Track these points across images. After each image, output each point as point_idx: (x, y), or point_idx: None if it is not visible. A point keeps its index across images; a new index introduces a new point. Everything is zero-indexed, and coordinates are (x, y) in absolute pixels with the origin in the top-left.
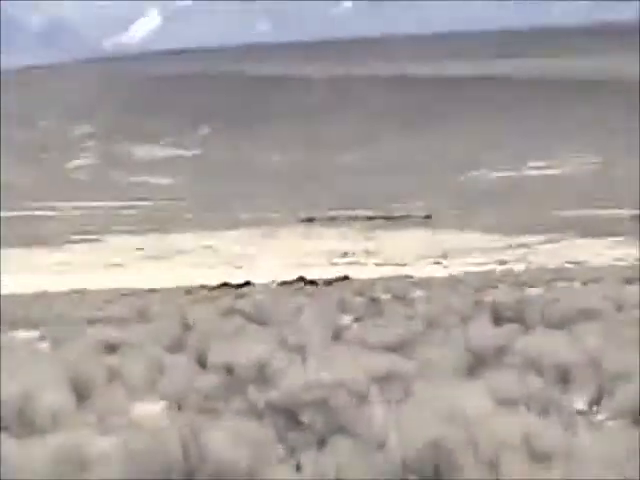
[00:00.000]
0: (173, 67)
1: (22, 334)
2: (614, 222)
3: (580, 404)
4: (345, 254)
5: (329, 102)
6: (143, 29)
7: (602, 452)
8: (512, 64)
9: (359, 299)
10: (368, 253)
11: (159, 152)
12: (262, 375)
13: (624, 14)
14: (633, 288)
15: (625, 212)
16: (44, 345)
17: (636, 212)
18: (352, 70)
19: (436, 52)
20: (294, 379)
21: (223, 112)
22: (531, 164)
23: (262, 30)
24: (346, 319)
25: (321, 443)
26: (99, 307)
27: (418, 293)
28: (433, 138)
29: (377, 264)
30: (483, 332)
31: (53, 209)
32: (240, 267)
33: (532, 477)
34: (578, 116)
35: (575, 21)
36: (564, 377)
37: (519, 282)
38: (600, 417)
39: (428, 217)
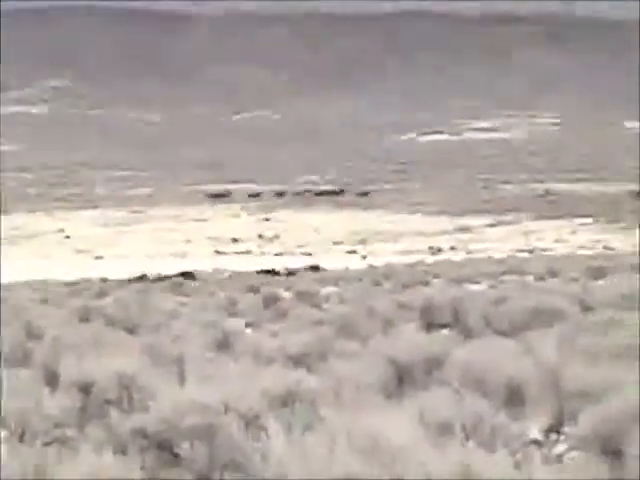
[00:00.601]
0: None
1: None
2: (579, 200)
3: (535, 432)
4: (235, 240)
5: (218, 48)
6: None
7: None
8: None
9: (252, 298)
10: (264, 239)
11: None
12: (127, 395)
13: None
14: (602, 284)
15: (594, 187)
16: None
17: (605, 187)
18: (248, 5)
19: None
20: (168, 400)
21: (78, 58)
22: (474, 125)
23: None
24: (236, 324)
25: None
26: None
27: (329, 290)
28: (350, 93)
29: (276, 254)
30: (411, 341)
31: None
32: (100, 257)
33: None
34: (535, 64)
35: None
36: (514, 398)
37: (458, 276)
38: (560, 448)
39: (342, 193)
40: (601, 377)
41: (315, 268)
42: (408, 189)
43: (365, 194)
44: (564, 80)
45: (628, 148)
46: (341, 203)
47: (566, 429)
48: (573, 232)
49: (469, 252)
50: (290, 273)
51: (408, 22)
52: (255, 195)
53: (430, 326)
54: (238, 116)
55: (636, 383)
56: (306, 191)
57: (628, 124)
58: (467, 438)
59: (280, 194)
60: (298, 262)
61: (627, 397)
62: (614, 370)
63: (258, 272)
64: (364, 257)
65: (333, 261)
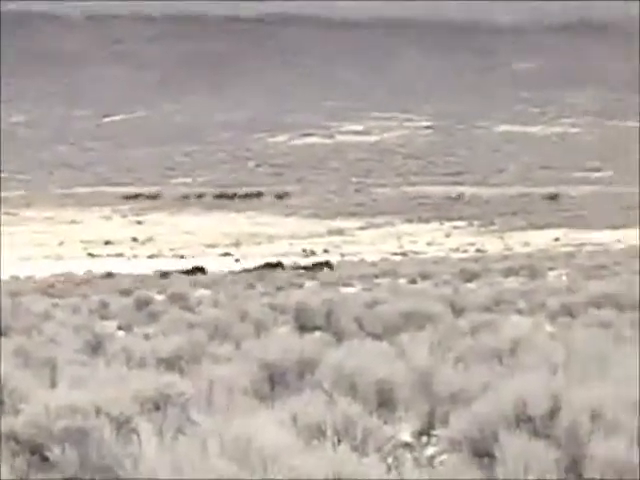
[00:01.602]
0: None
1: None
2: (452, 203)
3: (406, 435)
4: (108, 243)
5: (89, 49)
6: None
7: None
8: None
9: (125, 301)
10: (138, 242)
11: None
12: None
13: None
14: (474, 286)
15: (467, 190)
16: None
17: (478, 190)
18: (116, 6)
19: None
20: (39, 403)
21: None
22: (347, 128)
23: None
24: (108, 326)
25: None
26: None
27: (202, 293)
28: (221, 96)
29: (149, 256)
30: (283, 343)
31: None
32: None
33: None
34: (407, 67)
35: None
36: (386, 401)
37: (331, 279)
38: (431, 450)
39: (216, 195)
40: (472, 380)
41: (188, 270)
42: (282, 192)
43: (239, 197)
44: (436, 83)
45: (500, 151)
46: (215, 206)
47: (437, 432)
48: (446, 235)
49: (342, 255)
50: (163, 275)
51: (280, 25)
52: (128, 198)
53: (303, 329)
54: (108, 119)
55: (506, 385)
56: (179, 194)
57: (501, 127)
58: (339, 441)
59: (152, 197)
60: (172, 265)
61: (497, 399)
62: (485, 373)
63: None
64: (238, 260)
65: (207, 264)
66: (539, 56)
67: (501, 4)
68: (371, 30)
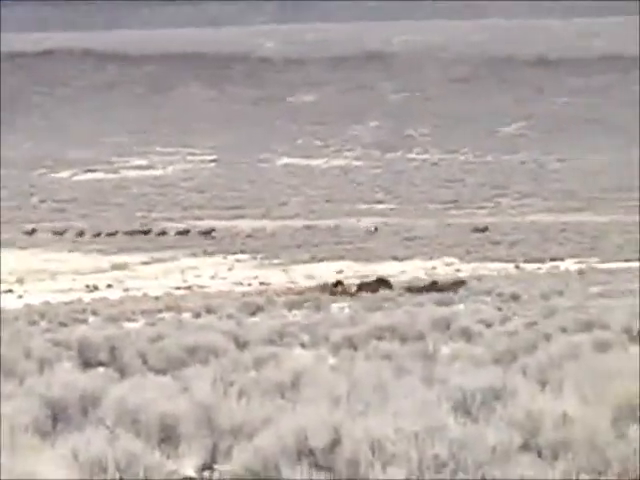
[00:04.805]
0: None
1: None
2: (236, 236)
3: (189, 469)
4: None
5: None
6: None
7: None
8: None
9: None
10: None
11: None
12: None
13: None
14: (257, 320)
15: (251, 223)
16: None
17: (262, 223)
18: None
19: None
20: None
21: None
22: (130, 163)
23: None
24: None
25: None
26: None
27: None
28: (1, 131)
29: None
30: (66, 380)
31: None
32: None
33: None
34: (190, 101)
35: None
36: (169, 436)
37: (114, 314)
38: None
39: None
40: (254, 414)
41: None
42: (65, 228)
43: (23, 233)
44: (217, 117)
45: (283, 184)
46: None
47: (220, 466)
48: (230, 268)
49: (126, 290)
50: None
51: (62, 59)
52: None
53: (87, 364)
54: None
55: (288, 418)
56: None
57: (284, 160)
58: (120, 477)
59: None
60: None
61: (279, 433)
62: (267, 406)
63: None
64: (21, 296)
65: None
66: (318, 88)
67: (274, 36)
68: (147, 64)
